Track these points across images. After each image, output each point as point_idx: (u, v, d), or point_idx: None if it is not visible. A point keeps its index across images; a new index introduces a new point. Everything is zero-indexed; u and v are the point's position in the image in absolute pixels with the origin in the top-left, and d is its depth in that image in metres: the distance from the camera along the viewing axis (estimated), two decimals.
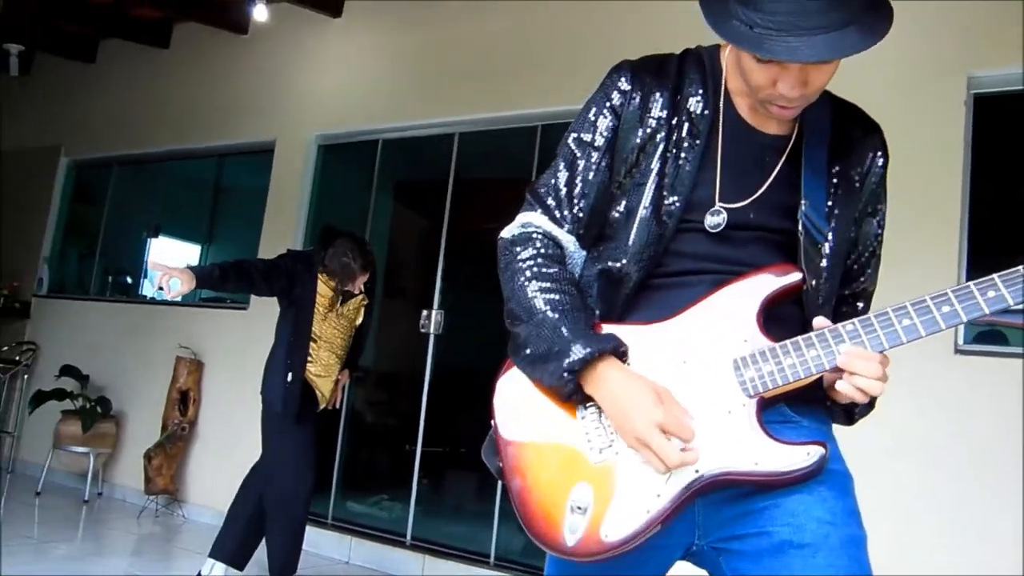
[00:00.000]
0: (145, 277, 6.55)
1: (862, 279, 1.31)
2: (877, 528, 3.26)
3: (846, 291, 1.30)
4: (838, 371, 1.09)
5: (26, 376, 6.32)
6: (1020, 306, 1.03)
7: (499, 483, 4.30)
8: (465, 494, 5.28)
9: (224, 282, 3.43)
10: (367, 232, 4.99)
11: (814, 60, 1.03)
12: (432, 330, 4.67)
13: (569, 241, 1.27)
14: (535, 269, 1.22)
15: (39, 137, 6.97)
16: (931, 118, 3.39)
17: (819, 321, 1.12)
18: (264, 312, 5.20)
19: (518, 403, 1.21)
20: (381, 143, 5.13)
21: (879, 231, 1.30)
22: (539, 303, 1.18)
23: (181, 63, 6.20)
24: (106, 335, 6.07)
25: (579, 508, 1.11)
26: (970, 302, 1.03)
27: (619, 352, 1.14)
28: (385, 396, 5.80)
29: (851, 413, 1.22)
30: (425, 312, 4.69)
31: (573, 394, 1.14)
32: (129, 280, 6.70)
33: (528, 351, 1.18)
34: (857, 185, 1.25)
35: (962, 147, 3.33)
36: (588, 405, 1.16)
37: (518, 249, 1.25)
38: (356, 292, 3.66)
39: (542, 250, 1.24)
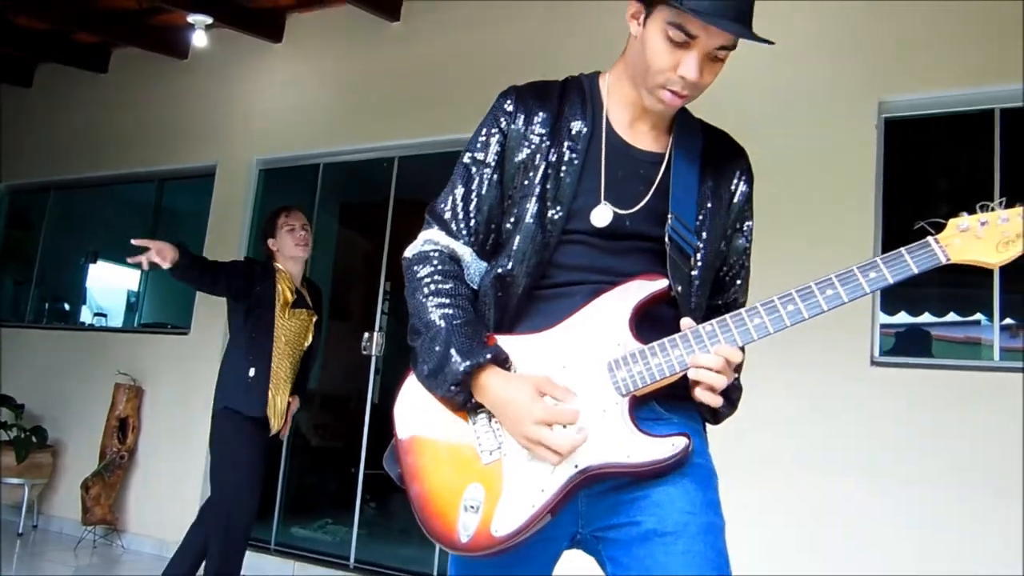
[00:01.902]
0: (84, 303, 6.45)
1: (733, 290, 1.43)
2: (807, 534, 3.33)
3: (719, 301, 1.42)
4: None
5: None
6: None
7: None
8: (408, 516, 5.29)
9: (193, 267, 3.38)
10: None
11: (735, 34, 1.21)
12: (374, 352, 4.70)
13: (466, 252, 1.36)
14: (432, 286, 1.31)
15: None
16: (843, 141, 3.55)
17: (685, 322, 1.23)
18: (205, 338, 5.19)
19: (416, 412, 1.31)
20: (322, 167, 5.17)
21: (747, 245, 1.42)
22: (435, 317, 1.28)
23: (120, 87, 6.16)
24: (43, 363, 5.95)
25: (471, 507, 1.21)
26: (811, 300, 1.17)
27: (500, 361, 1.24)
28: (329, 419, 5.79)
29: (715, 411, 1.31)
30: (367, 334, 4.72)
31: (466, 403, 1.26)
32: (67, 307, 6.59)
33: (423, 366, 1.28)
34: (726, 203, 1.38)
35: (873, 169, 3.49)
36: (479, 411, 1.26)
37: (417, 267, 1.35)
38: (302, 226, 3.58)
39: (439, 266, 1.33)
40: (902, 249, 1.15)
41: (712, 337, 1.20)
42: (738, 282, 1.42)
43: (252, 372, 3.39)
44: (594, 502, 1.26)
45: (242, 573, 3.58)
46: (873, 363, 3.34)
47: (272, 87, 5.45)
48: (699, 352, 1.19)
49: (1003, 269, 3.25)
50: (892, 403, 3.26)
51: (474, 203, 1.35)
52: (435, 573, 4.29)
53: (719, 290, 1.41)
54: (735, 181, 1.39)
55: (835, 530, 3.26)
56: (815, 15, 3.74)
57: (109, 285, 6.60)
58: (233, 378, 3.44)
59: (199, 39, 5.15)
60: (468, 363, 1.22)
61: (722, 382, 1.18)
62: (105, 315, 6.43)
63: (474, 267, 1.37)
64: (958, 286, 3.53)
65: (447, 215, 1.36)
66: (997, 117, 3.41)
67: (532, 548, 1.23)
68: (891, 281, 1.15)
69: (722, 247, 1.38)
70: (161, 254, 3.19)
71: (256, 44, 5.41)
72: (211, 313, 5.15)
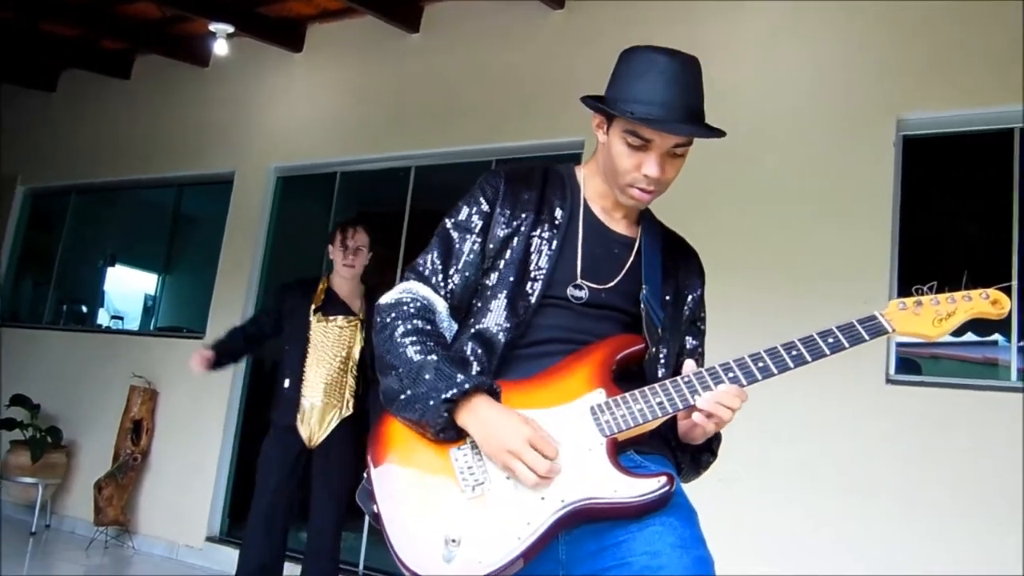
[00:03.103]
0: (101, 306, 6.52)
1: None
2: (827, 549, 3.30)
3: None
4: (686, 417, 1.31)
5: None
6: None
7: None
8: None
9: (232, 355, 3.75)
10: (323, 264, 5.03)
11: (684, 135, 1.34)
12: None
13: (442, 307, 1.43)
14: (409, 327, 1.36)
15: None
16: (861, 159, 3.55)
17: (688, 365, 1.33)
18: None
19: (392, 450, 1.31)
20: (339, 175, 5.21)
21: (699, 342, 1.54)
22: (411, 352, 1.32)
23: (142, 94, 6.24)
24: (59, 364, 6.02)
25: (453, 541, 1.20)
26: (777, 359, 1.30)
27: (493, 391, 1.29)
28: None
29: (699, 462, 1.43)
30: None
31: (446, 427, 1.26)
32: (84, 309, 6.66)
33: (403, 395, 1.30)
34: (683, 299, 1.51)
35: (891, 188, 3.49)
36: (462, 446, 1.28)
37: (394, 312, 1.39)
38: (354, 248, 3.62)
39: (416, 312, 1.39)
40: (854, 320, 1.31)
41: (690, 387, 1.29)
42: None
43: (286, 384, 3.49)
44: (576, 548, 1.28)
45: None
46: (888, 381, 3.33)
47: (291, 96, 5.51)
48: (715, 389, 1.27)
49: (1022, 286, 3.26)
50: (907, 421, 3.25)
51: (454, 266, 1.43)
52: None
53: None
54: (691, 279, 1.53)
55: (846, 545, 3.24)
56: (835, 32, 3.75)
57: (126, 288, 6.67)
58: (274, 391, 3.61)
59: (220, 48, 5.22)
60: (471, 382, 1.25)
61: (727, 416, 1.26)
62: (122, 318, 6.50)
63: (446, 324, 1.43)
64: None
65: (427, 271, 1.43)
66: (1017, 137, 3.40)
67: None
68: (847, 347, 1.30)
69: (679, 337, 1.48)
70: (198, 366, 3.61)
71: (277, 53, 5.48)
72: (227, 317, 5.18)
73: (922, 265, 3.50)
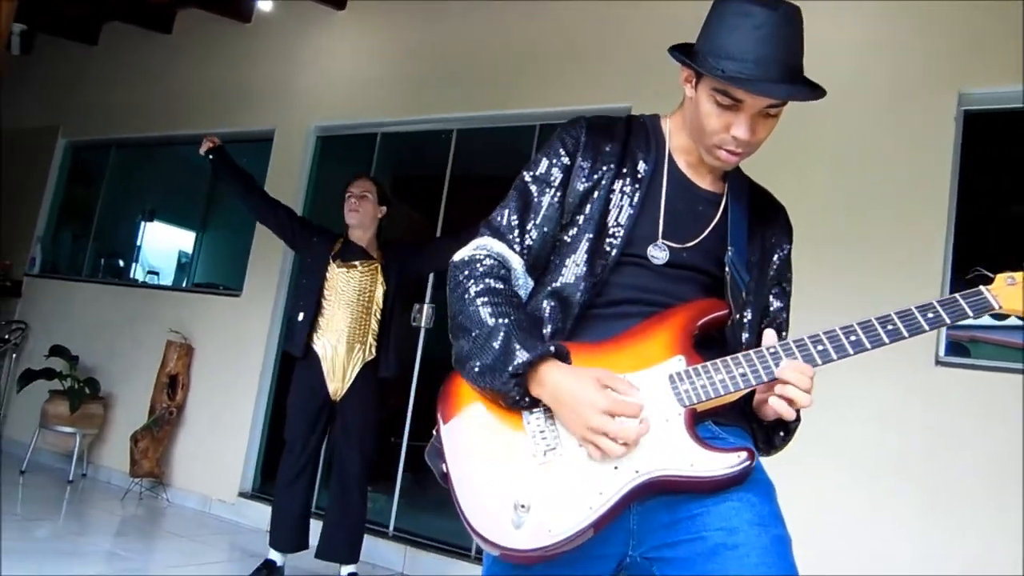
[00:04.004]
0: (136, 261, 6.56)
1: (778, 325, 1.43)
2: (858, 536, 3.27)
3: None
4: (767, 391, 1.23)
5: (15, 355, 6.32)
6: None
7: None
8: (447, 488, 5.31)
9: (231, 169, 3.86)
10: None
11: (778, 98, 1.24)
12: (423, 324, 4.70)
13: (518, 264, 1.36)
14: (481, 285, 1.30)
15: (38, 117, 6.98)
16: (921, 133, 3.44)
17: (769, 336, 1.26)
18: (256, 300, 5.25)
19: (462, 408, 1.27)
20: (380, 137, 5.17)
21: (784, 304, 1.45)
22: (484, 315, 1.26)
23: (183, 49, 6.22)
24: (97, 317, 6.08)
25: (522, 507, 1.16)
26: (872, 333, 1.20)
27: (561, 355, 1.22)
28: None
29: (772, 441, 1.35)
30: (417, 306, 4.72)
31: (521, 398, 1.22)
32: (122, 263, 6.71)
33: (474, 362, 1.25)
34: (770, 258, 1.43)
35: (950, 163, 3.38)
36: (534, 410, 1.23)
37: (467, 269, 1.34)
38: (359, 195, 3.67)
39: (491, 270, 1.33)
40: (957, 295, 1.22)
41: (776, 358, 1.21)
42: (782, 334, 1.42)
43: (300, 316, 3.52)
44: (648, 519, 1.23)
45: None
46: (938, 363, 3.25)
47: (333, 55, 5.45)
48: (792, 370, 1.19)
49: None
50: (956, 403, 3.17)
51: (532, 220, 1.37)
52: (473, 547, 4.31)
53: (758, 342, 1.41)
54: (779, 240, 1.46)
55: (899, 530, 3.19)
56: (896, 6, 3.61)
57: (163, 244, 6.70)
58: (287, 324, 3.69)
59: (264, 4, 5.17)
60: (531, 354, 1.19)
61: (807, 401, 1.19)
62: (157, 273, 6.54)
63: (522, 281, 1.37)
64: None
65: (503, 227, 1.38)
66: None
67: (577, 566, 1.20)
68: (948, 323, 1.22)
69: (764, 299, 1.42)
70: (206, 143, 3.72)
71: (319, 10, 5.42)
72: (264, 275, 5.21)
73: (976, 243, 3.40)
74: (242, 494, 5.05)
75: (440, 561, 4.27)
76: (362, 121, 5.18)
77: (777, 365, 1.20)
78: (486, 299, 1.28)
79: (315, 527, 3.79)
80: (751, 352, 1.23)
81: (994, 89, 3.39)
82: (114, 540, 4.36)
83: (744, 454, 1.18)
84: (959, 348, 3.42)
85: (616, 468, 1.17)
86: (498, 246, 1.36)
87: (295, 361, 3.68)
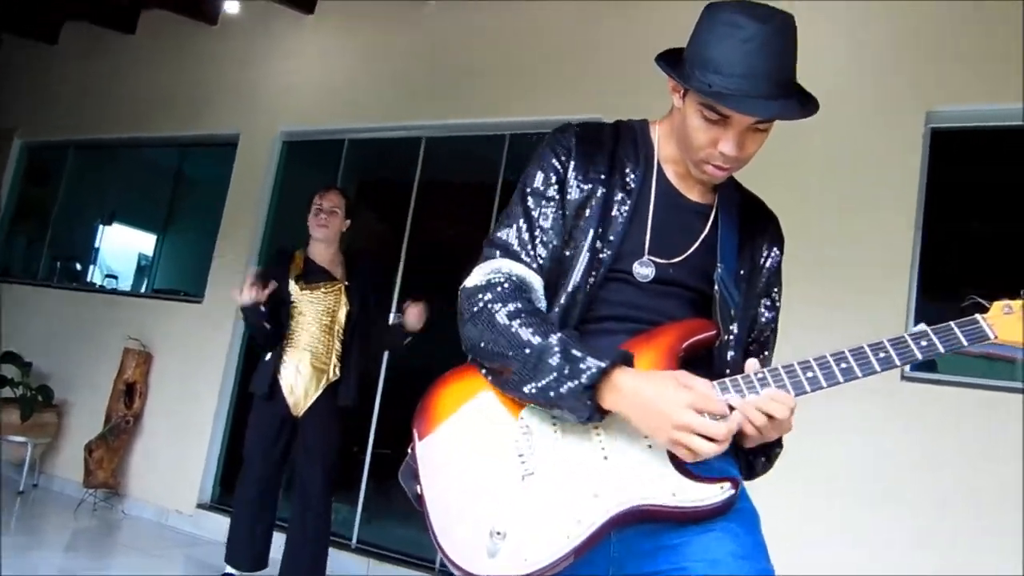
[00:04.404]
0: (93, 263, 6.40)
1: (762, 358, 1.39)
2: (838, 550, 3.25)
3: (754, 352, 1.38)
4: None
5: None
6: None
7: None
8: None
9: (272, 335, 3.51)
10: None
11: (765, 116, 1.18)
12: None
13: (538, 283, 1.30)
14: (512, 308, 1.22)
15: None
16: (888, 151, 3.48)
17: (751, 364, 1.21)
18: (218, 307, 5.14)
19: (440, 425, 1.23)
20: (347, 143, 5.10)
21: (772, 316, 1.41)
22: (528, 336, 1.18)
23: (146, 50, 6.09)
24: (52, 322, 5.91)
25: (498, 534, 1.12)
26: (863, 360, 1.16)
27: (628, 360, 1.17)
28: None
29: (753, 467, 1.32)
30: (386, 314, 4.66)
31: (592, 413, 1.14)
32: (79, 266, 6.55)
33: (531, 384, 1.17)
34: (759, 268, 1.39)
35: (917, 181, 3.42)
36: (515, 431, 1.20)
37: (487, 295, 1.25)
38: (328, 209, 3.57)
39: (511, 290, 1.26)
40: (951, 323, 1.18)
41: (764, 383, 1.17)
42: (764, 352, 1.40)
43: (268, 356, 3.45)
44: (628, 546, 1.20)
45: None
46: (904, 378, 3.28)
47: (301, 60, 5.38)
48: (772, 400, 1.15)
49: None
50: (922, 419, 3.20)
51: (539, 234, 1.31)
52: (437, 560, 4.24)
53: (746, 355, 1.36)
54: (770, 249, 1.40)
55: (858, 547, 3.20)
56: (865, 23, 3.66)
57: (122, 247, 6.56)
58: (258, 361, 3.57)
59: (231, 6, 5.09)
60: (604, 363, 1.13)
61: (785, 419, 1.15)
62: (116, 277, 6.39)
63: (543, 303, 1.30)
64: (999, 298, 3.46)
65: (514, 244, 1.31)
66: None
67: None
68: (942, 352, 1.17)
69: (752, 312, 1.38)
70: (249, 294, 3.33)
71: (287, 14, 5.34)
72: (226, 283, 5.09)
73: (944, 261, 3.44)
74: (200, 505, 4.93)
75: (404, 574, 4.21)
76: (329, 127, 5.11)
77: (762, 390, 1.17)
78: (521, 320, 1.20)
79: (278, 541, 3.70)
80: (738, 378, 1.19)
81: (961, 107, 3.44)
82: (66, 554, 4.23)
83: (727, 484, 1.14)
84: (926, 363, 3.46)
85: (596, 496, 1.13)
86: (516, 267, 1.28)
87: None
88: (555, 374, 1.14)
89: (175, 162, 5.92)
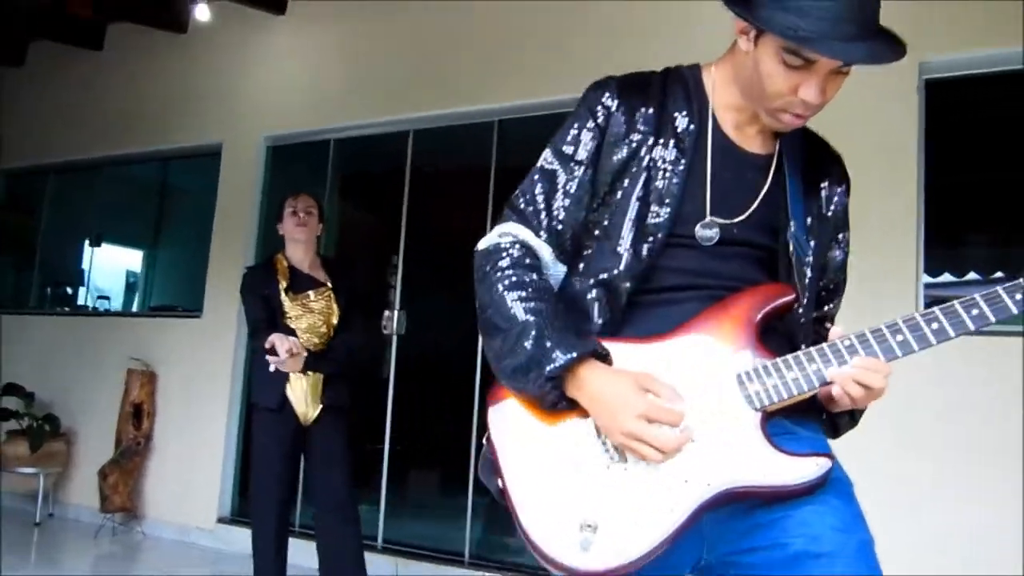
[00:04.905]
0: (83, 285, 6.32)
1: (831, 305, 1.37)
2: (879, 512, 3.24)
3: (815, 314, 1.34)
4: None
5: None
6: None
7: (471, 480, 4.29)
8: (435, 493, 5.25)
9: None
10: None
11: (859, 61, 1.09)
12: (395, 330, 4.61)
13: (547, 252, 1.27)
14: (514, 279, 1.20)
15: None
16: (885, 105, 3.46)
17: (835, 332, 1.16)
18: (218, 320, 5.09)
19: (514, 419, 1.19)
20: (333, 143, 5.04)
21: (844, 258, 1.37)
22: (518, 312, 1.17)
23: (117, 65, 5.97)
24: (49, 349, 5.83)
25: (589, 526, 1.09)
26: (955, 319, 1.09)
27: (600, 355, 1.14)
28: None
29: (837, 427, 1.27)
30: (387, 312, 4.63)
31: (558, 402, 1.14)
32: (69, 291, 6.46)
33: (508, 362, 1.17)
34: (828, 213, 1.31)
35: (916, 132, 3.41)
36: (590, 419, 1.16)
37: (495, 259, 1.24)
38: (305, 209, 3.53)
39: (519, 259, 1.23)
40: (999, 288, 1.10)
41: (852, 352, 1.12)
42: (836, 298, 1.37)
43: (272, 367, 3.39)
44: (722, 524, 1.16)
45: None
46: None
47: (277, 61, 5.29)
48: (867, 369, 1.11)
49: None
50: (933, 365, 3.21)
51: (559, 202, 1.26)
52: (466, 553, 4.25)
53: (818, 303, 1.34)
54: (836, 190, 1.33)
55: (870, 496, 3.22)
56: None
57: (112, 268, 6.47)
58: (257, 374, 3.49)
59: (202, 12, 4.99)
60: (568, 355, 1.11)
61: (879, 386, 1.12)
62: (108, 298, 6.32)
63: (552, 270, 1.28)
64: (1004, 245, 3.48)
65: (528, 211, 1.27)
66: None
67: (651, 572, 1.12)
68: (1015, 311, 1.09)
69: (822, 260, 1.31)
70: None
71: (259, 16, 5.25)
72: (224, 293, 5.05)
73: (948, 213, 3.45)
74: (221, 520, 4.91)
75: (434, 570, 4.21)
76: (314, 128, 5.04)
77: (851, 358, 1.12)
78: (516, 293, 1.18)
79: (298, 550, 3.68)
80: (825, 347, 1.13)
81: (953, 56, 3.43)
82: None
83: (822, 461, 1.11)
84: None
85: (687, 481, 1.10)
86: (523, 232, 1.25)
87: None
88: (524, 359, 1.13)
89: (159, 176, 5.83)
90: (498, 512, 4.47)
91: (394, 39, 4.79)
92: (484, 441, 1.23)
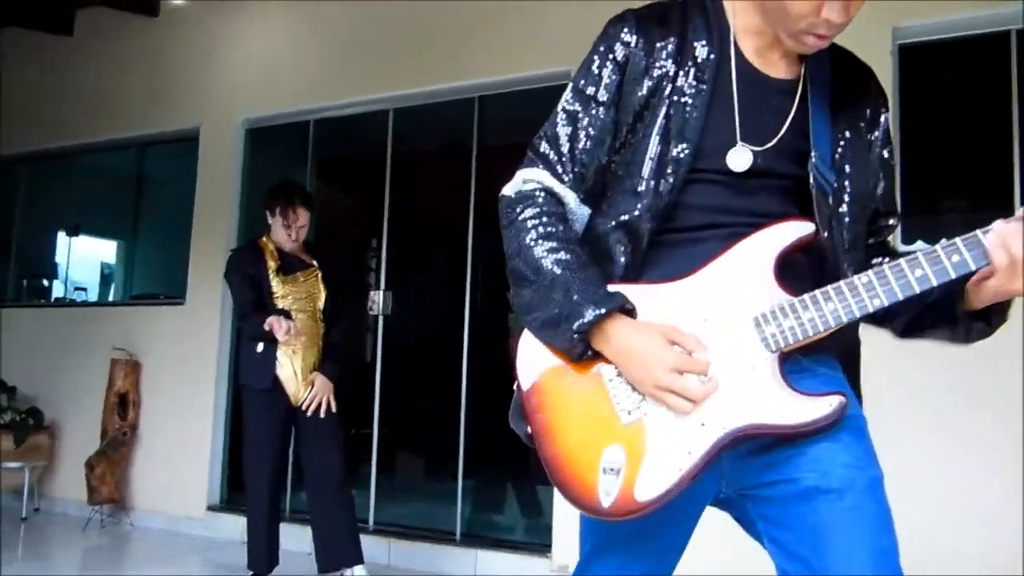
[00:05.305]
0: (56, 277, 6.24)
1: (884, 228, 1.35)
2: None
3: (871, 240, 1.32)
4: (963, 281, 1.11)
5: None
6: None
7: (460, 460, 4.30)
8: (425, 474, 5.26)
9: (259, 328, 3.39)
10: None
11: None
12: (380, 311, 4.59)
13: (571, 198, 1.27)
14: (540, 229, 1.22)
15: None
16: None
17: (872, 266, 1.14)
18: (202, 307, 5.05)
19: (542, 368, 1.22)
20: (313, 124, 4.98)
21: (888, 186, 1.32)
22: (547, 263, 1.19)
23: (88, 51, 5.86)
24: (31, 342, 5.75)
25: (612, 470, 1.13)
26: (976, 251, 1.08)
27: (626, 310, 1.16)
28: None
29: (970, 330, 1.20)
30: (372, 294, 4.61)
31: (584, 354, 1.17)
32: (46, 283, 6.37)
33: (537, 314, 1.20)
34: (865, 132, 1.27)
35: (891, 96, 3.42)
36: (614, 367, 1.18)
37: (520, 207, 1.25)
38: (298, 228, 3.56)
39: (545, 207, 1.24)
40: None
41: (869, 289, 1.10)
42: (887, 220, 1.34)
43: (260, 348, 3.40)
44: (740, 461, 1.19)
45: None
46: None
47: (253, 42, 5.21)
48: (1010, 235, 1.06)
49: None
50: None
51: (582, 144, 1.25)
52: (457, 531, 4.26)
53: (875, 217, 1.31)
54: (872, 108, 1.29)
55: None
56: None
57: (88, 258, 6.39)
58: (245, 355, 3.52)
59: None
60: (597, 311, 1.13)
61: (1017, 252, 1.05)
62: (85, 289, 6.24)
63: (577, 214, 1.28)
64: (980, 211, 3.51)
65: (551, 155, 1.27)
66: (1013, 39, 3.37)
67: (672, 509, 1.16)
68: None
69: (871, 181, 1.27)
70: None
71: None
72: (208, 279, 5.00)
73: (922, 181, 3.48)
74: (211, 508, 4.88)
75: (426, 549, 4.22)
76: (292, 109, 4.98)
77: (872, 297, 1.09)
78: (544, 244, 1.20)
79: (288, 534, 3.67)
80: (841, 283, 1.12)
81: (927, 21, 3.45)
82: (81, 572, 4.17)
83: (837, 400, 1.12)
84: None
85: (703, 424, 1.13)
86: (547, 179, 1.26)
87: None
88: (554, 312, 1.16)
89: (135, 163, 5.74)
90: (488, 491, 4.52)
91: (371, 16, 4.74)
92: (515, 389, 1.25)
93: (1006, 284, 1.09)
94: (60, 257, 6.30)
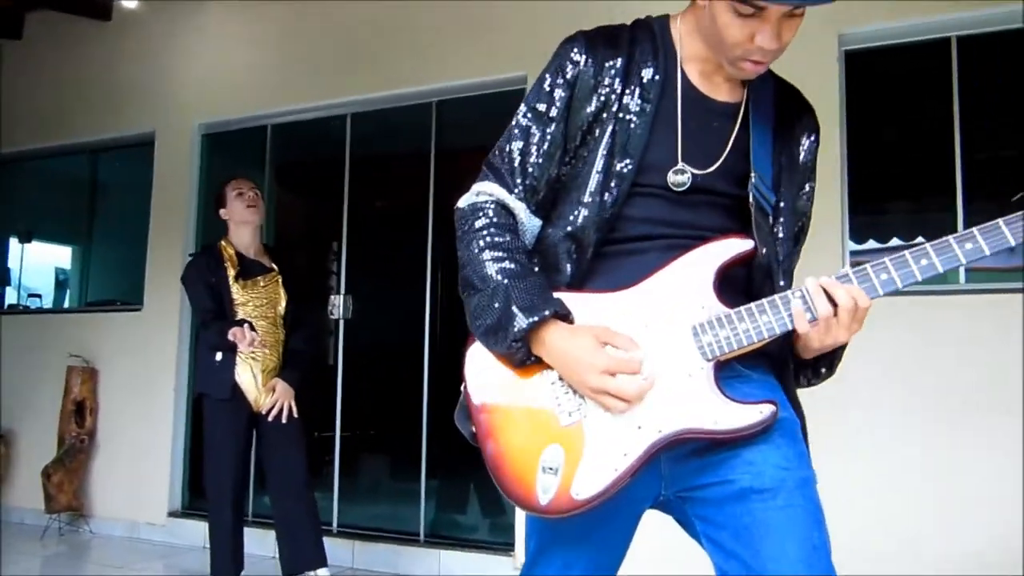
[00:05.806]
0: (9, 284, 6.13)
1: (792, 256, 1.41)
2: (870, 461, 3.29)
3: (800, 241, 1.40)
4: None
5: None
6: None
7: (423, 461, 4.33)
8: (388, 476, 5.27)
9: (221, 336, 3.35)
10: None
11: (805, 3, 1.14)
12: (341, 315, 4.60)
13: (521, 209, 1.32)
14: (488, 239, 1.27)
15: None
16: (806, 75, 3.55)
17: (808, 281, 1.20)
18: (160, 312, 5.01)
19: (488, 369, 1.27)
20: (270, 128, 4.97)
21: (808, 206, 1.40)
22: (492, 272, 1.24)
23: (38, 55, 5.76)
24: None
25: (550, 468, 1.18)
26: (905, 270, 1.14)
27: (561, 315, 1.21)
28: None
29: (818, 371, 1.32)
30: (332, 298, 4.62)
31: (526, 360, 1.23)
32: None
33: (480, 322, 1.25)
34: (797, 162, 1.35)
35: (837, 103, 3.54)
36: (553, 371, 1.23)
37: (472, 219, 1.30)
38: (251, 191, 3.56)
39: (494, 219, 1.30)
40: (999, 221, 1.11)
41: (803, 301, 1.17)
42: (797, 247, 1.41)
43: (219, 356, 3.37)
44: (678, 463, 1.25)
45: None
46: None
47: (208, 46, 5.18)
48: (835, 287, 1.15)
49: (965, 188, 3.32)
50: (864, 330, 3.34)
51: (533, 158, 1.30)
52: (421, 532, 4.30)
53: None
54: (805, 140, 1.37)
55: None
56: None
57: (41, 265, 6.29)
58: (203, 363, 3.48)
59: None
60: (530, 319, 1.19)
61: (843, 303, 1.14)
62: (39, 296, 6.14)
63: (527, 225, 1.33)
64: (924, 211, 3.64)
65: (503, 169, 1.32)
66: (954, 45, 3.49)
67: (614, 508, 1.23)
68: (1013, 243, 1.11)
69: (800, 204, 1.36)
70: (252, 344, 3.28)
71: (186, 1, 5.12)
72: (165, 285, 4.97)
73: (870, 182, 3.59)
74: (172, 514, 4.86)
75: (390, 550, 4.25)
76: (249, 115, 4.97)
77: (807, 311, 1.16)
78: (490, 253, 1.25)
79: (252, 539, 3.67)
80: (776, 297, 1.19)
81: (872, 27, 3.56)
82: None
83: (768, 408, 1.17)
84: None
85: (640, 428, 1.18)
86: (499, 191, 1.31)
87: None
88: (493, 319, 1.22)
89: (89, 169, 5.67)
90: (451, 491, 4.54)
91: (329, 21, 4.74)
92: (462, 389, 1.30)
93: (823, 339, 1.19)
94: (13, 263, 6.19)
